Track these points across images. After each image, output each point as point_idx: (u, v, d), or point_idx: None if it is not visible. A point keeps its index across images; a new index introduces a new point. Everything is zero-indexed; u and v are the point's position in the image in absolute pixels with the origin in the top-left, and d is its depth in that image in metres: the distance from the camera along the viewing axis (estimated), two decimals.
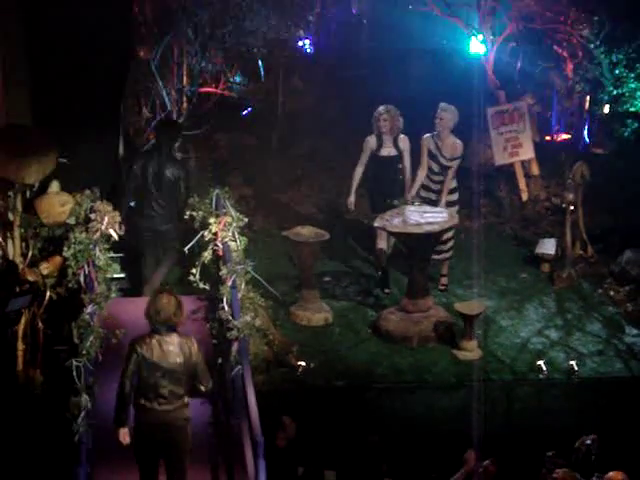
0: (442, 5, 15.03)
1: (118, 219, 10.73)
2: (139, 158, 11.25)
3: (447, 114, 12.26)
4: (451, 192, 12.45)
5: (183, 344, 8.02)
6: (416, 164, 12.41)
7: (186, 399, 8.05)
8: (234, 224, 10.51)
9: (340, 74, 16.25)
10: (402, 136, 12.42)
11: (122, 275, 11.23)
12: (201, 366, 8.09)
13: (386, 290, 12.51)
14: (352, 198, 12.43)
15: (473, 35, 15.12)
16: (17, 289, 10.11)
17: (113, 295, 10.38)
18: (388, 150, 12.35)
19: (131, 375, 7.93)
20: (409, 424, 10.44)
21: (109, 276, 10.46)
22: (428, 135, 12.40)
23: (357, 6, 16.73)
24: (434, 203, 12.29)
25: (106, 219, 10.85)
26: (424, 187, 12.51)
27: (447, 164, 12.32)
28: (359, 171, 12.41)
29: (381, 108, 12.35)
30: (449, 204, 12.35)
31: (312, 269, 11.74)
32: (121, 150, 12.57)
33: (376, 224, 11.54)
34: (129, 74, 12.45)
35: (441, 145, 12.29)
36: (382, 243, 12.39)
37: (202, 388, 8.13)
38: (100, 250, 10.38)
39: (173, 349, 7.97)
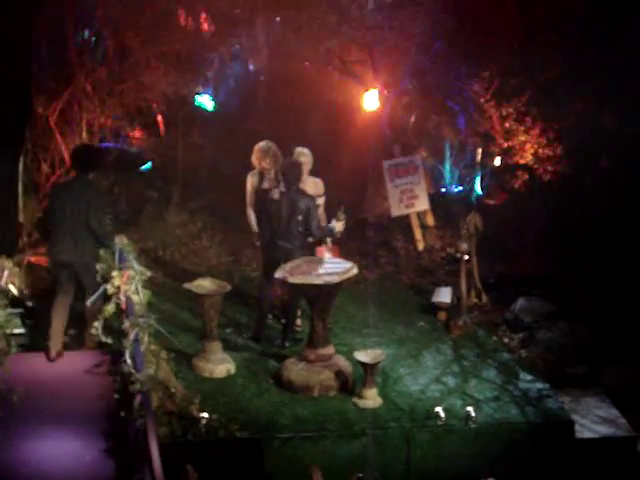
0: (337, 61, 15.33)
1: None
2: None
3: (304, 158, 12.49)
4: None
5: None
6: None
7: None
8: (137, 277, 10.52)
9: (239, 128, 16.37)
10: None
11: (22, 331, 11.21)
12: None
13: (297, 328, 12.65)
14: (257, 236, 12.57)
15: (368, 90, 15.39)
16: None
17: (13, 351, 10.34)
18: (270, 184, 12.54)
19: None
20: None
21: (9, 332, 10.39)
22: None
23: (254, 62, 16.94)
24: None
25: (5, 274, 10.81)
26: None
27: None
28: (251, 211, 12.53)
29: (263, 144, 12.53)
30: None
31: (214, 321, 11.69)
32: (20, 205, 12.50)
33: (277, 275, 11.57)
34: (28, 130, 12.39)
35: (304, 186, 12.43)
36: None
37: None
38: None
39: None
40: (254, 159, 12.57)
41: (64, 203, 11.05)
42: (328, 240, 12.59)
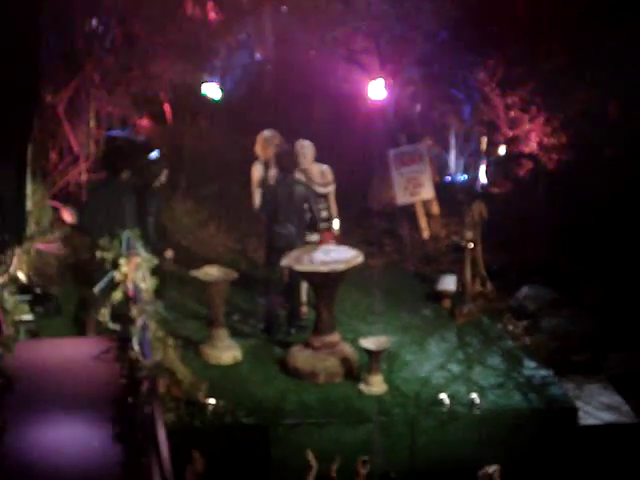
0: (343, 51, 15.35)
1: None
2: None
3: (305, 150, 12.63)
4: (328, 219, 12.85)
5: None
6: None
7: None
8: (144, 265, 10.59)
9: (245, 117, 16.41)
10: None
11: (31, 317, 11.24)
12: None
13: (302, 315, 12.72)
14: None
15: (374, 80, 15.42)
16: None
17: (22, 337, 10.45)
18: (274, 172, 12.62)
19: None
20: (317, 459, 10.53)
21: (17, 318, 10.47)
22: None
23: (261, 51, 16.99)
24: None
25: (14, 262, 10.87)
26: None
27: (324, 190, 12.70)
28: (256, 194, 12.63)
29: (266, 133, 12.65)
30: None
31: (221, 308, 11.82)
32: (29, 193, 12.55)
33: (283, 263, 11.69)
34: (36, 118, 12.43)
35: (311, 176, 12.63)
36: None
37: None
38: (8, 293, 10.39)
39: None
40: (258, 148, 12.65)
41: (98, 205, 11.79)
42: (334, 226, 12.70)
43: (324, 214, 12.83)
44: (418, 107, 16.10)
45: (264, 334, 12.54)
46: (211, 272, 11.91)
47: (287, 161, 12.29)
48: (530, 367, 11.99)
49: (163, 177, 12.70)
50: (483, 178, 16.02)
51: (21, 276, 11.08)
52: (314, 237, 12.68)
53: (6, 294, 10.35)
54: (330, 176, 12.83)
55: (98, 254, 11.09)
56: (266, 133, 12.67)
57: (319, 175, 12.76)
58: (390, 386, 11.34)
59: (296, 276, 12.09)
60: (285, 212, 12.16)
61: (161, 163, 12.95)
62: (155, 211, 12.43)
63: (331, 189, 12.82)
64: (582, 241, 14.11)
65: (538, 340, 12.70)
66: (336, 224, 12.83)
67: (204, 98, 16.28)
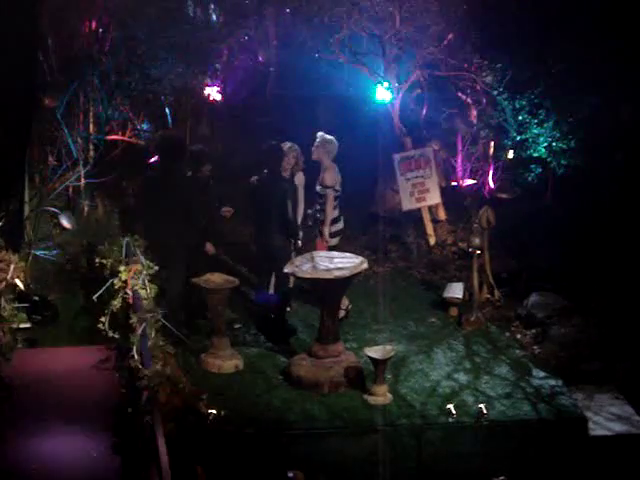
0: (348, 53, 15.26)
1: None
2: None
3: (324, 146, 12.69)
4: (334, 222, 12.73)
5: None
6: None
7: None
8: (144, 272, 10.47)
9: (248, 121, 16.38)
10: (299, 173, 12.90)
11: (28, 325, 11.20)
12: None
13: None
14: None
15: (379, 82, 15.36)
16: None
17: (19, 346, 10.37)
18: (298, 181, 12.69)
19: None
20: (321, 470, 10.39)
21: (15, 326, 10.35)
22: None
23: (264, 54, 16.95)
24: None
25: (12, 269, 10.75)
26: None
27: (319, 191, 12.70)
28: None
29: (287, 144, 12.73)
30: (332, 235, 12.67)
31: (222, 316, 11.72)
32: (26, 199, 12.46)
33: (286, 270, 11.57)
34: (34, 122, 12.36)
35: (323, 175, 12.70)
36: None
37: None
38: (6, 300, 10.26)
39: None
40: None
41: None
42: (325, 232, 12.65)
43: (319, 215, 12.85)
44: (424, 110, 15.96)
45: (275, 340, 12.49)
46: (212, 279, 11.79)
47: (271, 158, 12.26)
48: (539, 377, 11.88)
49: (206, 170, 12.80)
50: (491, 183, 15.91)
51: (18, 283, 10.94)
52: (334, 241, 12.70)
53: (3, 302, 10.25)
54: (328, 182, 12.74)
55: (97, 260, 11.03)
56: (286, 144, 12.76)
57: (323, 175, 12.74)
58: (396, 396, 11.22)
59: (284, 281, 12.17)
60: (267, 214, 12.12)
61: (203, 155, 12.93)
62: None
63: (327, 192, 12.73)
64: (592, 248, 14.00)
65: (547, 349, 12.54)
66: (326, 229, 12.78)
67: (205, 101, 16.21)
